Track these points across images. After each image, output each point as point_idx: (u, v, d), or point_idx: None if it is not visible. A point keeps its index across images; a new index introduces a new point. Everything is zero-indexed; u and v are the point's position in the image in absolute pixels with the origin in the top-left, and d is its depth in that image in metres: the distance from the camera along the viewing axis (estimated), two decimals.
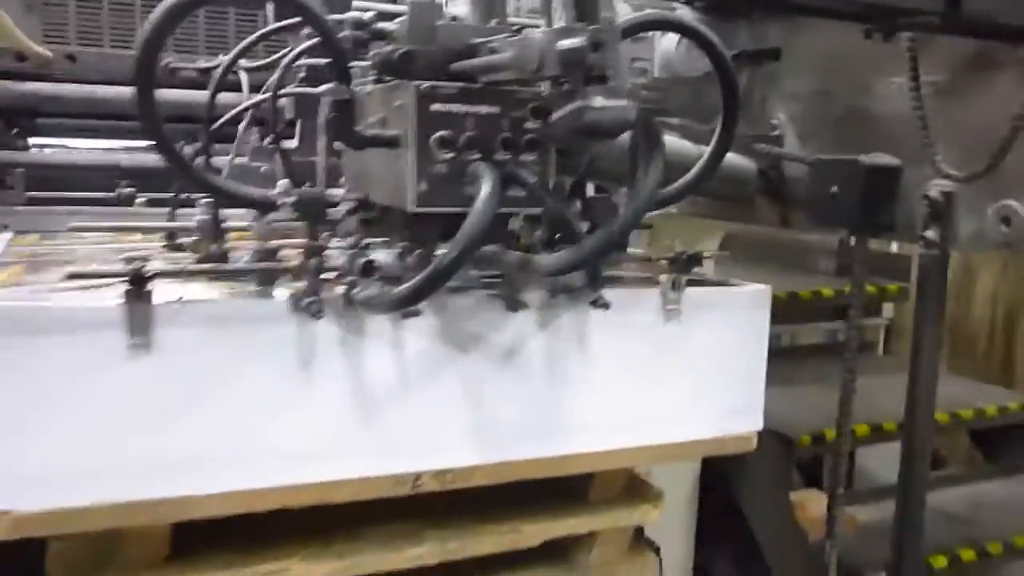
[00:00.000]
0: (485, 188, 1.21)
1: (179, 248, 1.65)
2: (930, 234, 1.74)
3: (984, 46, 1.64)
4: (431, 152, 1.30)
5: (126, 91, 1.24)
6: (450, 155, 1.31)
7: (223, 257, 1.56)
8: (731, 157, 1.78)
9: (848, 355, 1.97)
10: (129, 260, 1.29)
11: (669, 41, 2.20)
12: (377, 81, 1.45)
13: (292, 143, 1.78)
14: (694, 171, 1.57)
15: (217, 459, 1.39)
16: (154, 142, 1.27)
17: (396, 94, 1.33)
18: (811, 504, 2.89)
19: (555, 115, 1.11)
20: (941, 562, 2.75)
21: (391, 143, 1.34)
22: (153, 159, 1.41)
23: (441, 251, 1.27)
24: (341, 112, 1.32)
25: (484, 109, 1.33)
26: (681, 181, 1.57)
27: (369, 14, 1.45)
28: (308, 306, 1.35)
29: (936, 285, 1.76)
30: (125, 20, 2.69)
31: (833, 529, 2.14)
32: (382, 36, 1.42)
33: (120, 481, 1.34)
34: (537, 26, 1.23)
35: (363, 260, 1.34)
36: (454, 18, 1.53)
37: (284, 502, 1.46)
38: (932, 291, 1.77)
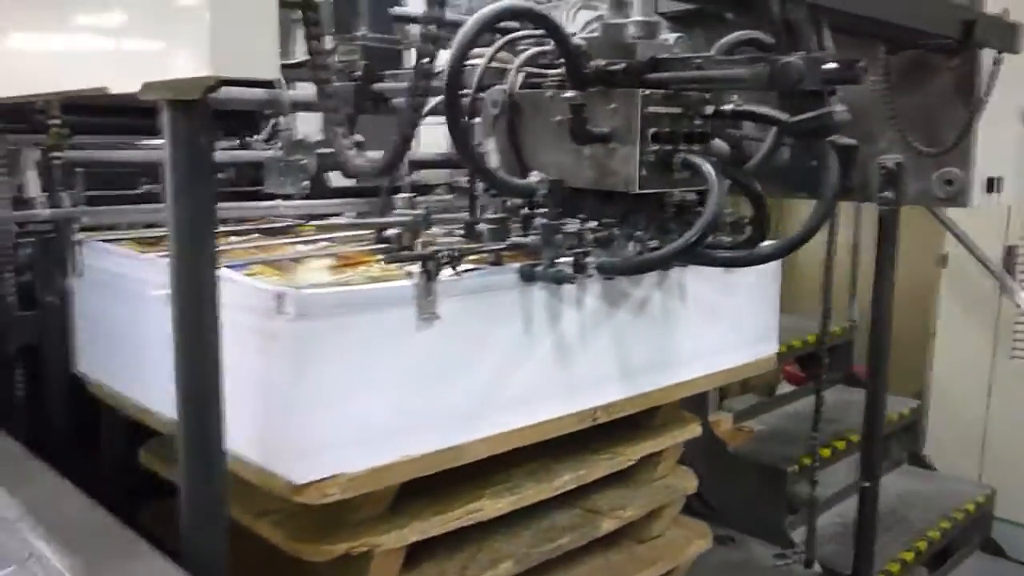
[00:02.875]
0: (713, 181, 1.58)
1: (387, 240, 1.81)
2: (887, 194, 2.35)
3: (925, 56, 2.26)
4: (647, 145, 1.65)
5: None
6: (658, 147, 1.66)
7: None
8: None
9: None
10: (425, 245, 1.51)
11: None
12: (559, 86, 1.75)
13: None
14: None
15: (479, 410, 1.64)
16: (455, 138, 1.49)
17: (615, 98, 1.66)
18: (723, 422, 3.52)
19: (802, 116, 1.52)
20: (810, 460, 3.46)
21: (607, 139, 1.66)
22: None
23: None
24: (576, 114, 1.62)
25: (675, 111, 1.70)
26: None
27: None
28: (552, 274, 1.63)
29: (891, 231, 2.38)
30: None
31: None
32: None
33: (416, 437, 1.56)
34: None
35: (601, 234, 1.65)
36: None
37: (519, 442, 1.74)
38: (888, 236, 2.39)
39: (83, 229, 2.02)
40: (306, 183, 2.35)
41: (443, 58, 1.43)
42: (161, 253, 1.84)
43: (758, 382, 4.52)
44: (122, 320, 1.87)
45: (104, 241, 1.99)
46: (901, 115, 2.31)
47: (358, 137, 1.58)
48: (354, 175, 1.56)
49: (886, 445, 3.71)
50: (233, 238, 2.13)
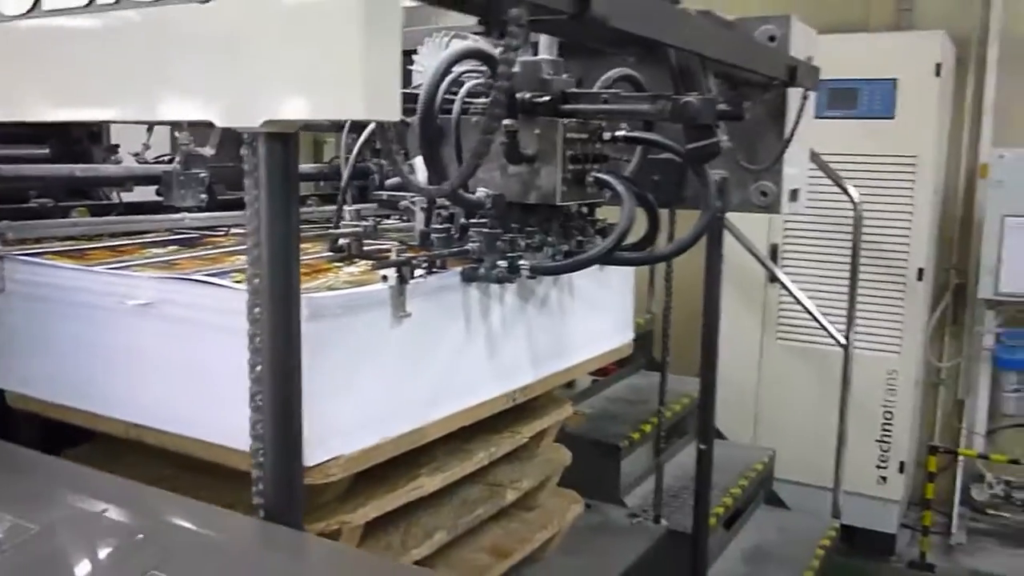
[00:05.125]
0: (626, 196, 1.93)
1: (340, 249, 1.98)
2: (716, 203, 2.82)
3: (745, 90, 2.74)
4: (566, 164, 1.97)
5: None
6: (573, 167, 1.99)
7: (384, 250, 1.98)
8: None
9: None
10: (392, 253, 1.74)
11: None
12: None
13: None
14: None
15: (436, 395, 1.89)
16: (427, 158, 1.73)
17: (539, 126, 1.96)
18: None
19: (695, 144, 1.89)
20: (636, 435, 3.94)
21: (533, 159, 1.97)
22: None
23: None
24: (510, 139, 1.91)
25: (583, 136, 2.03)
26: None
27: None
28: (495, 276, 1.91)
29: (717, 237, 2.86)
30: None
31: None
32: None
33: (392, 421, 1.78)
34: None
35: (530, 240, 1.95)
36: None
37: (464, 421, 2.00)
38: (715, 239, 2.86)
39: None
40: (204, 196, 2.48)
41: None
42: (119, 263, 1.92)
43: None
44: (67, 333, 1.91)
45: (28, 255, 2.01)
46: (728, 136, 2.80)
47: (416, 162, 1.77)
48: (422, 196, 1.75)
49: (687, 420, 4.29)
50: (155, 249, 2.20)
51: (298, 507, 1.32)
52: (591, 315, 2.50)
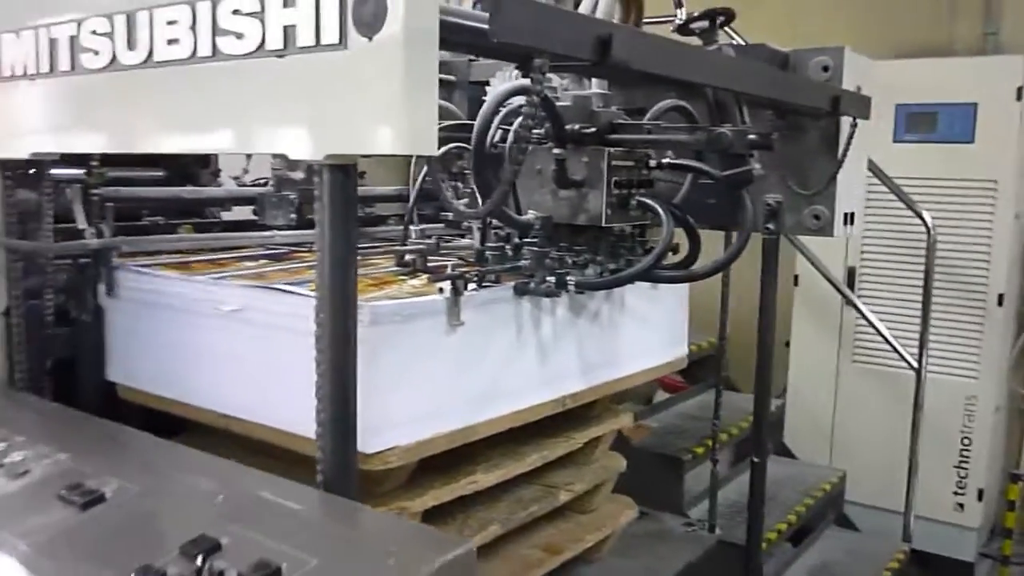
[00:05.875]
0: (665, 218, 2.10)
1: (406, 264, 2.22)
2: (770, 226, 2.94)
3: (799, 119, 2.87)
4: (611, 189, 2.15)
5: None
6: (618, 191, 2.17)
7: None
8: None
9: None
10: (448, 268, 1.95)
11: None
12: (538, 142, 2.23)
13: None
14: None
15: (487, 397, 2.09)
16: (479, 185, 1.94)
17: (587, 154, 2.15)
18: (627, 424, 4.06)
19: (730, 171, 2.05)
20: (700, 450, 4.06)
21: (581, 184, 2.16)
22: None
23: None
24: (559, 165, 2.11)
25: (629, 163, 2.21)
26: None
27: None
28: (543, 290, 2.10)
29: (772, 256, 2.98)
30: None
31: None
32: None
33: (444, 418, 1.99)
34: None
35: (577, 258, 2.14)
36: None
37: (513, 423, 2.19)
38: (770, 259, 2.98)
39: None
40: (294, 215, 2.75)
41: None
42: (217, 275, 2.20)
43: (636, 394, 5.13)
44: (169, 334, 2.19)
45: (142, 266, 2.31)
46: (781, 163, 2.93)
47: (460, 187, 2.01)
48: (461, 218, 1.98)
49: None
50: (248, 262, 2.48)
51: (352, 482, 1.53)
52: (643, 330, 2.66)
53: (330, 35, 1.34)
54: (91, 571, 1.24)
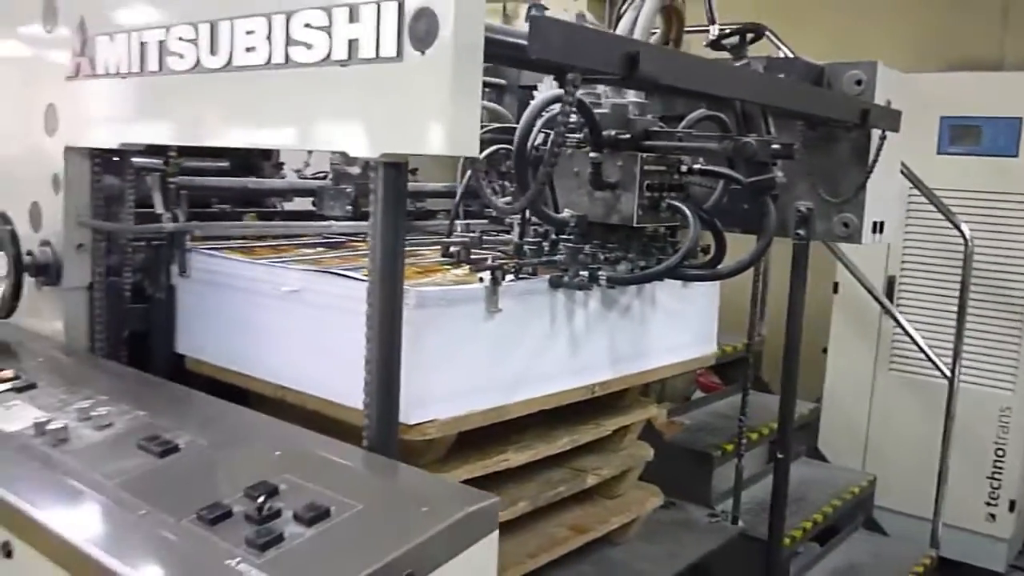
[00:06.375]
0: (692, 221, 2.25)
1: (450, 255, 2.41)
2: (800, 232, 3.07)
3: (831, 130, 2.99)
4: (643, 192, 2.31)
5: None
6: (650, 194, 2.33)
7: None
8: None
9: None
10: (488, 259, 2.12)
11: None
12: (577, 146, 2.39)
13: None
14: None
15: (520, 380, 2.26)
16: (520, 183, 2.12)
17: (621, 159, 2.31)
18: (659, 417, 4.20)
19: (755, 178, 2.20)
20: (730, 447, 4.18)
21: (615, 187, 2.32)
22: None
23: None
24: (595, 168, 2.27)
25: (661, 168, 2.37)
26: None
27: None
28: (576, 283, 2.27)
29: (802, 261, 3.11)
30: None
31: None
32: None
33: (479, 397, 2.17)
34: None
35: (609, 254, 2.30)
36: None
37: (543, 405, 2.36)
38: (800, 264, 3.11)
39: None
40: (350, 207, 2.95)
41: None
42: (278, 259, 2.41)
43: (674, 391, 5.26)
44: (233, 311, 2.41)
45: (212, 250, 2.53)
46: (812, 171, 3.05)
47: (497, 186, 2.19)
48: (500, 214, 2.16)
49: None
50: (307, 249, 2.69)
51: (394, 445, 1.72)
52: (672, 326, 2.81)
53: (388, 48, 1.53)
54: (170, 504, 1.44)
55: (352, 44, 1.59)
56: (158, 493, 1.50)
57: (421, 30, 1.48)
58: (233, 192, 2.90)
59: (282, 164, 3.21)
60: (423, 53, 1.49)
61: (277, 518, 1.38)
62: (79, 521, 1.46)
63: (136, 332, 2.57)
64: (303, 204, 3.23)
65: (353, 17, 1.58)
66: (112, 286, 2.49)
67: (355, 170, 2.95)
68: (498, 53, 1.60)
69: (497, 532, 1.46)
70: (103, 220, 2.42)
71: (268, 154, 3.32)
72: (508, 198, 2.56)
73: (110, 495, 1.50)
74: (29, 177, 2.48)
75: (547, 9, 4.00)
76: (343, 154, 1.82)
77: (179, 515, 1.41)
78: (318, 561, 1.28)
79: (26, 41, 2.49)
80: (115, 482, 1.54)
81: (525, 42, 1.54)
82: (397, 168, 1.62)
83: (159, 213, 2.47)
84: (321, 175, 3.20)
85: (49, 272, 2.41)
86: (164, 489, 1.52)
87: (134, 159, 2.44)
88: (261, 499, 1.40)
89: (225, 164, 3.07)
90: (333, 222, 2.89)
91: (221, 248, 2.59)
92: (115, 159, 2.43)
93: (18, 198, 2.51)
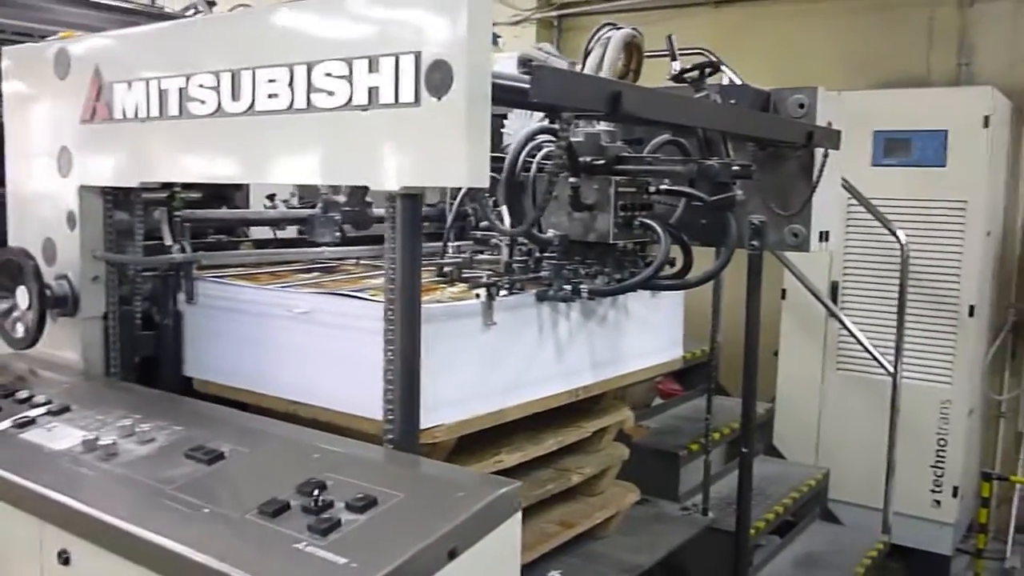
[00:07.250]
0: (663, 237, 2.50)
1: (445, 274, 2.62)
2: (754, 243, 3.35)
3: (779, 149, 3.28)
4: (617, 211, 2.56)
5: None
6: (623, 213, 2.58)
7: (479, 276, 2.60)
8: None
9: None
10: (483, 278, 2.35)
11: None
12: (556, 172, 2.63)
13: None
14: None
15: (514, 386, 2.48)
16: (510, 208, 2.34)
17: (596, 182, 2.55)
18: (627, 421, 4.45)
19: (716, 196, 2.46)
20: (695, 447, 4.44)
21: (592, 208, 2.56)
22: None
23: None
24: (574, 191, 2.51)
25: (632, 189, 2.62)
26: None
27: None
28: (561, 296, 2.50)
29: (756, 268, 3.38)
30: None
31: None
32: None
33: (480, 402, 2.38)
34: None
35: (588, 269, 2.54)
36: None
37: (535, 409, 2.58)
38: (755, 273, 3.39)
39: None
40: (338, 233, 3.15)
41: None
42: (284, 284, 2.59)
43: (636, 398, 5.52)
44: (242, 334, 2.58)
45: (216, 277, 2.71)
46: (763, 187, 3.34)
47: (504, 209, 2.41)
48: (505, 235, 2.38)
49: None
50: (303, 274, 2.88)
51: (416, 442, 1.93)
52: (644, 332, 3.06)
53: (407, 95, 1.75)
54: (230, 502, 1.63)
55: (372, 91, 1.81)
56: (216, 494, 1.68)
57: (437, 79, 1.70)
58: (228, 223, 3.08)
59: (274, 195, 3.39)
60: (439, 99, 1.71)
61: (331, 508, 1.58)
62: (150, 522, 1.64)
63: (146, 357, 2.73)
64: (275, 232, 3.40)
65: (373, 68, 1.80)
66: (124, 315, 2.65)
67: (341, 198, 3.14)
68: (503, 97, 1.83)
69: (520, 512, 1.68)
70: (115, 253, 2.59)
71: (239, 185, 3.49)
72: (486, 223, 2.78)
73: (172, 498, 1.69)
74: (42, 215, 2.63)
75: (500, 37, 4.28)
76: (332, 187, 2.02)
77: (241, 511, 1.60)
78: (375, 541, 1.48)
79: (38, 88, 2.65)
80: (173, 487, 1.72)
81: (526, 86, 1.77)
82: (413, 199, 1.84)
83: (168, 244, 2.63)
84: (298, 205, 3.38)
85: (66, 304, 2.57)
86: (220, 491, 1.71)
87: (143, 194, 2.61)
88: (316, 492, 1.60)
89: (197, 195, 3.25)
90: (325, 248, 3.08)
91: (223, 276, 2.76)
92: (124, 196, 2.59)
93: (32, 235, 2.66)
